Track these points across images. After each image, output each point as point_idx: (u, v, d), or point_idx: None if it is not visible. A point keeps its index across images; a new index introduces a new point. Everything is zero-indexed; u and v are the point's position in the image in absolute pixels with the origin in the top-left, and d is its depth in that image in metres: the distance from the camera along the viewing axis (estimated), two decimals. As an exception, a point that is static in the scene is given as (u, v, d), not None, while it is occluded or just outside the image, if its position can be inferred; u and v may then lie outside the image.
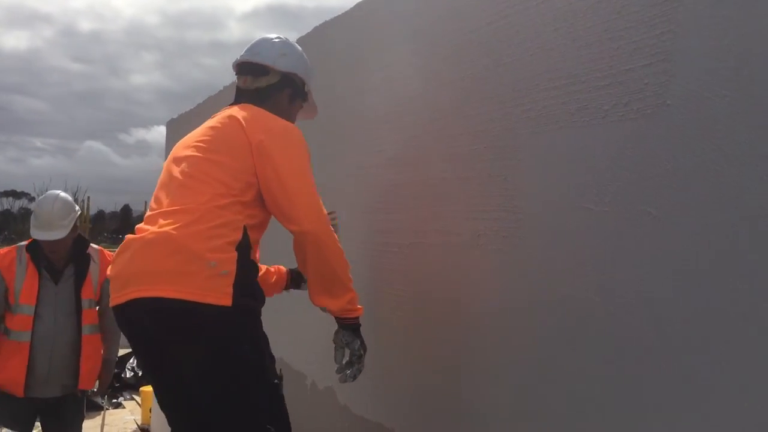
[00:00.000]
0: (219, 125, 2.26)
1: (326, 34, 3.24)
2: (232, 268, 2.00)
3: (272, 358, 2.17)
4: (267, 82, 2.41)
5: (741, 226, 1.34)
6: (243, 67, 2.46)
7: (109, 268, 2.16)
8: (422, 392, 2.35)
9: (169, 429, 2.18)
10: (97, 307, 3.83)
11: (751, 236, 1.33)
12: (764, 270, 1.31)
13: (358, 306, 2.27)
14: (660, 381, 1.50)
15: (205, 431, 2.06)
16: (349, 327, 2.28)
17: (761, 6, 1.34)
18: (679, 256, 1.46)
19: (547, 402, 1.80)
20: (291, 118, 2.45)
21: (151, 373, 2.21)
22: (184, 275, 1.96)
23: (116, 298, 2.06)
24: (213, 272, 1.96)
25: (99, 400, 7.38)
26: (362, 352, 2.30)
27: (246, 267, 2.06)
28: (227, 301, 1.96)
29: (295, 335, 3.17)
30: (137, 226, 2.19)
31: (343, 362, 2.31)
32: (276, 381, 2.14)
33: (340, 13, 3.11)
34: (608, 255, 1.64)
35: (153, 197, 2.23)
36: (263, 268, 2.67)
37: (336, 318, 2.28)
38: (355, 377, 2.30)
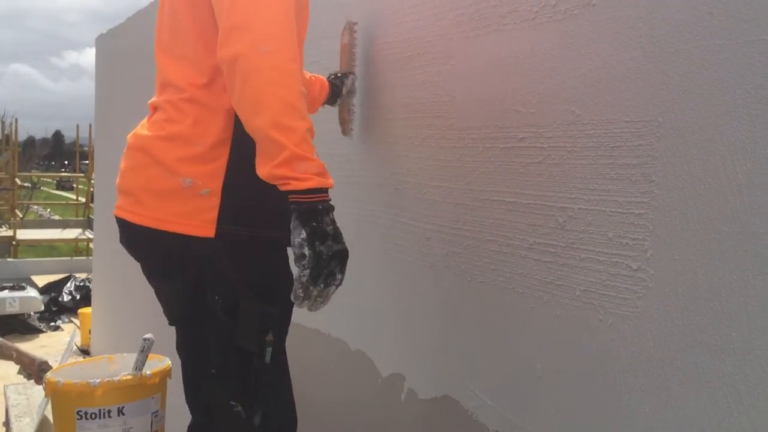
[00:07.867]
0: None
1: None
2: (217, 185, 1.56)
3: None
4: None
5: (662, 120, 1.40)
6: None
7: None
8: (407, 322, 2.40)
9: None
10: None
11: (671, 130, 1.38)
12: (682, 167, 1.37)
13: (309, 174, 1.41)
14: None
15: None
16: (298, 208, 1.43)
17: None
18: (601, 152, 1.51)
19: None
20: None
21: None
22: (153, 195, 1.61)
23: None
24: (191, 192, 1.57)
25: (37, 323, 7.36)
26: (321, 259, 1.43)
27: (246, 172, 1.50)
28: (209, 232, 1.56)
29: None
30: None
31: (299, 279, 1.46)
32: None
33: None
34: (537, 158, 1.68)
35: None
36: (306, 75, 2.10)
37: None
38: (313, 299, 1.48)
